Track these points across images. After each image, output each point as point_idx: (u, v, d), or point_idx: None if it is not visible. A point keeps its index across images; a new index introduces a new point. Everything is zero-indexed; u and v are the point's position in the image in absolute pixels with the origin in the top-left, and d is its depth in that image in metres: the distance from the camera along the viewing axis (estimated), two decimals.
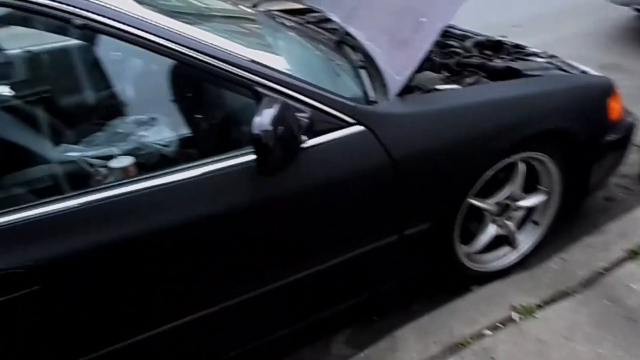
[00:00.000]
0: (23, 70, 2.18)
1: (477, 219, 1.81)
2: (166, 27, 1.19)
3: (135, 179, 1.28)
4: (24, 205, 1.13)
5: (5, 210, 1.11)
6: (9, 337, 1.11)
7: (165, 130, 1.74)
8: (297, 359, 1.71)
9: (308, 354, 1.73)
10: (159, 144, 1.70)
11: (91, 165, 1.57)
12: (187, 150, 1.72)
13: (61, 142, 1.69)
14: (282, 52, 1.61)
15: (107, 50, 2.22)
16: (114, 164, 1.50)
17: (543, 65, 1.95)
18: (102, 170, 1.55)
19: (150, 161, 1.63)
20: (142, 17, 1.18)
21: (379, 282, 1.68)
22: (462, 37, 2.33)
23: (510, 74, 1.81)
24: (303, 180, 1.28)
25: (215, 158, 1.27)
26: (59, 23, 1.10)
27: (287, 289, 1.40)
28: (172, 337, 1.29)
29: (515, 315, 1.68)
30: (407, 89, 1.57)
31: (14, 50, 2.21)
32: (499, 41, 2.31)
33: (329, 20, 2.06)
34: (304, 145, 1.26)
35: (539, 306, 1.72)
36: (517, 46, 2.27)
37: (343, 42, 1.83)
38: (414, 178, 1.42)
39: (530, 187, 1.87)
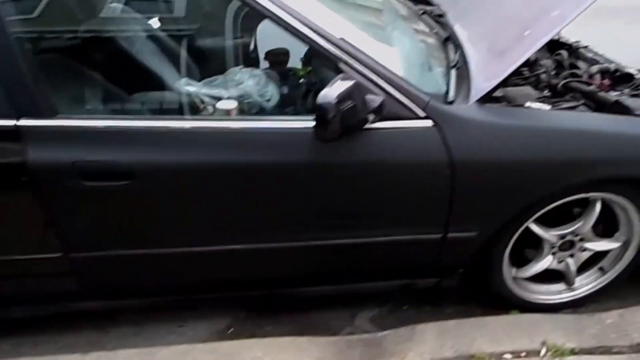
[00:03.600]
0: (179, 8, 2.53)
1: (537, 246, 1.76)
2: None
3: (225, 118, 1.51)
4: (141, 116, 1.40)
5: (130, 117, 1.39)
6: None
7: (270, 86, 1.94)
8: (320, 318, 1.86)
9: (332, 316, 1.87)
10: (261, 97, 1.92)
11: (202, 101, 1.83)
12: (284, 108, 1.92)
13: (186, 76, 1.98)
14: (382, 37, 1.69)
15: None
16: (220, 104, 1.74)
17: None
18: (210, 107, 1.80)
19: (250, 110, 1.85)
20: None
21: (416, 273, 1.74)
22: (593, 62, 2.19)
23: (618, 109, 1.69)
24: (360, 156, 1.39)
25: (293, 117, 1.43)
26: None
27: (325, 250, 1.54)
28: (214, 259, 1.52)
29: (543, 351, 1.64)
30: (495, 99, 1.58)
31: None
32: (630, 74, 2.13)
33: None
34: (370, 125, 1.36)
35: (573, 352, 1.64)
36: None
37: (450, 39, 1.85)
38: (468, 184, 1.44)
39: (610, 233, 1.76)
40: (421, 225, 1.53)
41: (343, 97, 1.21)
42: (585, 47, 2.44)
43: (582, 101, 1.67)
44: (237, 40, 2.37)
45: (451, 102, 1.45)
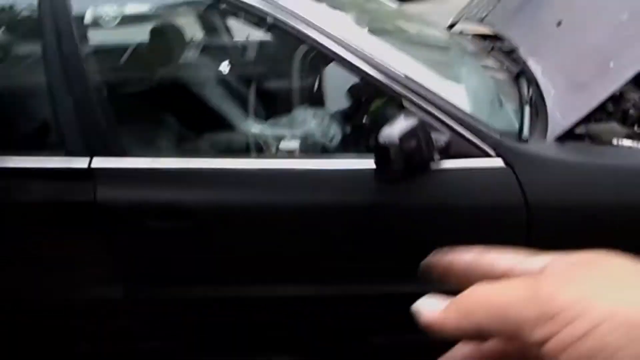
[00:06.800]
0: (246, 54, 2.65)
1: None
2: (338, 35, 1.34)
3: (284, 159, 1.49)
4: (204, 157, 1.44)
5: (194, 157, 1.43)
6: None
7: (333, 125, 1.93)
8: None
9: None
10: (323, 136, 1.91)
11: (265, 141, 1.86)
12: (347, 147, 1.89)
13: (253, 118, 2.02)
14: (449, 74, 1.63)
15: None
16: (282, 145, 1.75)
17: None
18: (273, 147, 1.82)
19: (313, 149, 1.85)
20: (321, 22, 1.35)
21: None
22: None
23: None
24: (426, 198, 1.30)
25: (355, 156, 1.39)
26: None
27: (384, 298, 1.44)
28: (276, 303, 1.47)
29: None
30: (576, 136, 1.44)
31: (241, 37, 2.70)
32: None
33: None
34: (436, 165, 1.28)
35: None
36: None
37: (522, 74, 1.75)
38: (548, 230, 1.30)
39: None
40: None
41: (406, 136, 1.15)
42: None
43: None
44: (303, 81, 2.40)
45: (525, 141, 1.34)
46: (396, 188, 1.26)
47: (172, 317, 1.56)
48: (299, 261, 1.41)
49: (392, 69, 1.33)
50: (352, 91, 2.17)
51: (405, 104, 1.30)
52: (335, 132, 1.93)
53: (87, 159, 1.35)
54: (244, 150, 1.88)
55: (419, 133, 1.19)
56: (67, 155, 1.36)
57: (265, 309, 1.51)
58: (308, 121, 1.95)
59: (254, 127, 1.93)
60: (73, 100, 1.33)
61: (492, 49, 2.07)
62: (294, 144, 1.73)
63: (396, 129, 1.15)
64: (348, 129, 2.02)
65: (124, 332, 1.60)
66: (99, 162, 1.36)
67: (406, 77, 1.33)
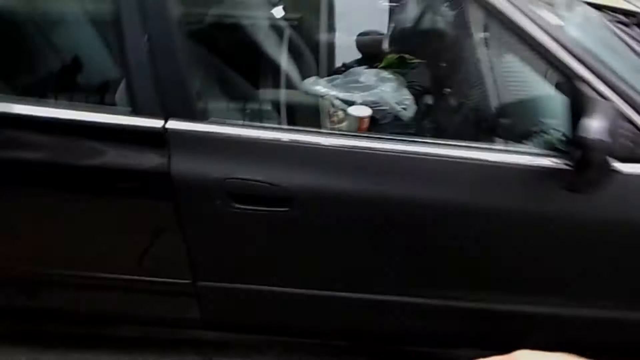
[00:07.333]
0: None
1: None
2: None
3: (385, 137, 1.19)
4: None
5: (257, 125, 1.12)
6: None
7: (404, 92, 1.64)
8: None
9: None
10: (398, 104, 1.61)
11: (333, 104, 1.56)
12: (424, 122, 1.61)
13: (311, 74, 1.71)
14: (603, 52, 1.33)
15: None
16: (353, 111, 1.47)
17: None
18: (340, 113, 1.53)
19: (384, 118, 1.56)
20: None
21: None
22: None
23: None
24: (607, 210, 1.04)
25: (485, 145, 1.10)
26: None
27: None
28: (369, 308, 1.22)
29: None
30: None
31: None
32: None
33: None
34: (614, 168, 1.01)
35: None
36: None
37: None
38: None
39: None
40: (632, 304, 1.16)
41: (610, 134, 0.87)
42: None
43: None
44: (335, 34, 2.05)
45: None
46: (574, 195, 0.98)
47: (241, 310, 1.31)
48: (422, 268, 1.15)
49: (569, 41, 1.02)
50: (360, 44, 1.90)
51: (583, 86, 1.00)
52: (409, 101, 1.64)
53: (161, 120, 1.05)
54: (311, 114, 1.59)
55: (617, 128, 0.91)
56: (136, 113, 1.05)
57: (351, 313, 1.27)
58: (378, 85, 1.66)
59: (318, 87, 1.63)
60: (149, 40, 1.01)
61: (634, 24, 1.73)
62: (365, 110, 1.45)
63: (601, 123, 0.86)
64: (428, 100, 1.73)
65: (182, 320, 1.36)
66: (176, 125, 1.06)
67: (584, 49, 1.02)
